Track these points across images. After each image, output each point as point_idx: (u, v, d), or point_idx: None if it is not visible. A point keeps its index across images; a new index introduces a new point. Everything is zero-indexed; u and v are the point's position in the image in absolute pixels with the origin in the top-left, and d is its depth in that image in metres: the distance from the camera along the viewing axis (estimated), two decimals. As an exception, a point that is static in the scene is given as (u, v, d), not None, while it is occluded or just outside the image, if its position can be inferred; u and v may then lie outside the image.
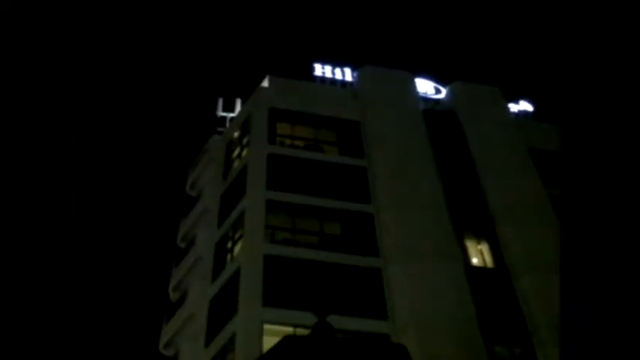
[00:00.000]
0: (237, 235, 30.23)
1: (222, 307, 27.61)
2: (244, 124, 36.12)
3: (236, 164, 34.63)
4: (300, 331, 24.80)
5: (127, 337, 77.48)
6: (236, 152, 35.67)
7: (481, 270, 29.83)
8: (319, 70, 38.97)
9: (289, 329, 25.01)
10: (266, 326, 25.09)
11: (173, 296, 34.55)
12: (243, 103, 39.52)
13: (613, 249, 2.82)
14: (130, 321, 75.26)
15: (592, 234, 2.89)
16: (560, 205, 3.07)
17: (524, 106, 41.70)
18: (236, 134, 36.91)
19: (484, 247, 31.16)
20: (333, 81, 38.90)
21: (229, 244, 30.55)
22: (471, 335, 26.01)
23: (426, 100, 39.16)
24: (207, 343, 27.39)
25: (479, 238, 31.48)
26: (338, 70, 39.32)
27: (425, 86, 40.03)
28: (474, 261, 30.35)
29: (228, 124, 39.74)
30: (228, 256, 30.07)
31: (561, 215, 3.04)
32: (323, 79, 38.84)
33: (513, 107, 41.10)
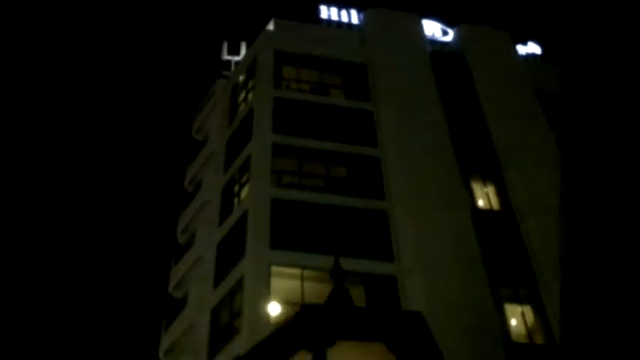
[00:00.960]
0: (243, 179, 30.33)
1: (230, 250, 27.89)
2: (250, 67, 35.88)
3: (242, 108, 34.53)
4: (308, 273, 25.13)
5: (137, 279, 78.55)
6: (242, 96, 35.53)
7: (487, 212, 29.95)
8: (325, 12, 38.51)
9: (296, 271, 25.33)
10: (273, 268, 25.36)
11: (182, 239, 34.88)
12: (248, 47, 39.18)
13: (612, 188, 2.84)
14: (140, 264, 76.19)
15: (592, 174, 2.90)
16: (561, 144, 3.06)
17: (532, 48, 41.27)
18: (241, 78, 36.70)
19: (490, 190, 31.23)
20: (339, 24, 38.47)
21: (236, 188, 30.68)
22: (477, 277, 26.27)
23: (433, 42, 38.72)
24: (215, 285, 27.76)
25: (485, 180, 31.52)
26: (344, 13, 38.86)
27: (432, 28, 39.54)
28: (480, 203, 30.45)
29: (233, 68, 39.49)
30: (235, 200, 30.22)
31: (562, 154, 3.05)
32: (329, 21, 38.42)
33: (521, 49, 40.68)
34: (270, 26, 37.26)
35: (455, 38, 39.35)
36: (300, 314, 3.96)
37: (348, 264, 24.30)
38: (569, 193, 2.99)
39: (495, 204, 30.63)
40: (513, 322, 26.18)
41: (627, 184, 2.77)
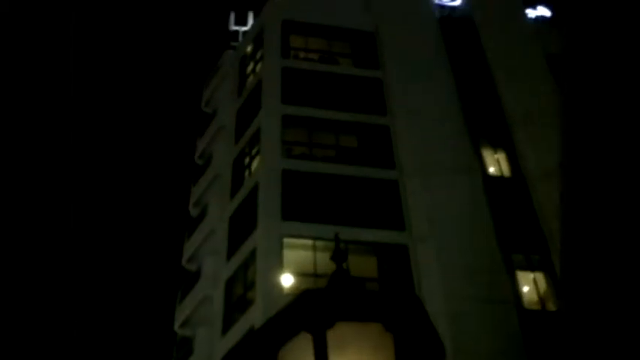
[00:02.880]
0: (254, 151, 30.34)
1: (242, 223, 28.01)
2: (257, 37, 35.69)
3: (250, 79, 34.42)
4: (320, 244, 25.22)
5: (150, 252, 79.14)
6: (250, 67, 35.40)
7: (498, 179, 29.88)
8: (332, -21, 38.08)
9: (308, 242, 25.41)
10: (285, 240, 25.46)
11: (194, 212, 35.04)
12: (255, 17, 38.95)
13: (614, 151, 2.82)
14: (153, 238, 76.74)
15: (594, 137, 2.89)
16: (562, 103, 3.06)
17: (542, 11, 40.72)
18: (249, 48, 36.54)
19: (501, 157, 31.11)
20: (346, -9, 38.05)
21: (247, 160, 30.71)
22: (489, 244, 26.30)
23: (441, 7, 38.30)
24: (228, 257, 27.94)
25: (495, 147, 31.39)
26: (351, -20, 38.39)
27: (440, -7, 39.07)
28: (491, 170, 30.36)
29: (241, 39, 39.29)
30: (246, 172, 30.27)
31: (562, 115, 3.04)
32: (336, -11, 38.00)
33: (531, 12, 40.19)
34: (277, -5, 36.95)
35: (463, 2, 38.90)
36: (301, 298, 4.16)
37: (360, 234, 24.59)
38: (570, 157, 2.98)
39: (506, 171, 30.53)
40: (525, 288, 26.25)
41: (628, 154, 2.76)
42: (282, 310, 4.31)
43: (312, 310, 4.19)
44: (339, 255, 5.19)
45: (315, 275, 24.00)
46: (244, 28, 39.80)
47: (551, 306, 25.70)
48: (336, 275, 4.82)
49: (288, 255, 25.12)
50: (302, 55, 34.16)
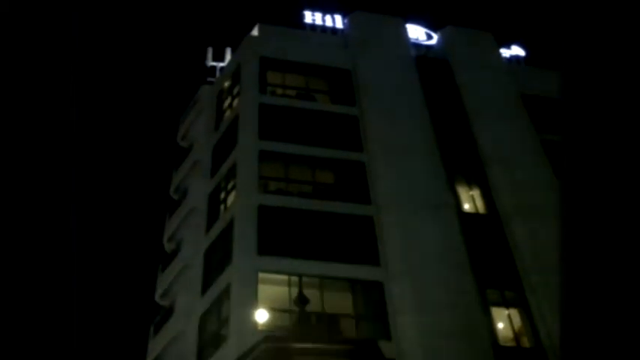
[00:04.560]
0: (229, 186, 30.28)
1: (217, 257, 27.83)
2: (235, 73, 35.85)
3: (227, 114, 34.49)
4: (295, 279, 25.11)
5: (124, 287, 78.10)
6: (227, 102, 35.49)
7: (473, 216, 30.05)
8: (309, 17, 38.60)
9: (284, 277, 25.28)
10: (261, 275, 25.28)
11: (168, 247, 34.76)
12: (233, 53, 39.17)
13: (615, 194, 2.83)
14: (126, 272, 75.81)
15: (594, 182, 2.90)
16: (559, 152, 3.06)
17: (516, 50, 41.50)
18: (227, 84, 36.67)
19: (476, 193, 31.34)
20: (323, 28, 38.57)
21: (222, 195, 30.62)
22: (464, 280, 26.33)
23: (417, 46, 38.86)
24: (203, 293, 27.68)
25: (470, 184, 31.64)
26: (328, 17, 38.96)
27: (416, 32, 39.70)
28: (466, 207, 30.55)
29: (218, 74, 39.45)
30: (222, 207, 30.15)
31: (561, 163, 3.05)
32: (313, 26, 38.52)
33: (505, 52, 40.90)
34: (255, 32, 37.29)
35: (439, 41, 39.52)
36: (265, 341, 4.11)
37: (336, 270, 24.57)
38: (569, 205, 2.99)
39: (481, 207, 30.74)
40: (500, 325, 26.27)
41: (628, 186, 2.77)
42: (245, 353, 4.26)
43: (275, 354, 4.15)
44: (302, 299, 5.14)
45: (290, 311, 23.84)
46: (222, 64, 39.99)
47: (526, 342, 25.71)
48: (299, 319, 4.77)
49: (263, 290, 24.93)
50: (279, 91, 34.36)
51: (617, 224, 2.69)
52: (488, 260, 27.83)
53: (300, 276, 24.83)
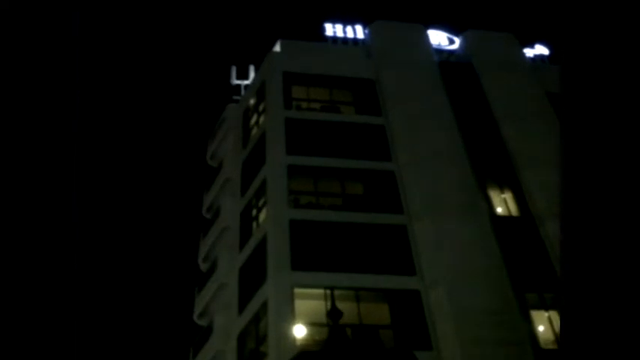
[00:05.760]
0: (260, 203, 30.40)
1: (252, 275, 27.91)
2: (259, 90, 36.07)
3: (254, 131, 34.68)
4: (330, 293, 25.08)
5: (161, 309, 78.73)
6: (253, 119, 35.69)
7: (506, 219, 29.78)
8: (330, 29, 38.71)
9: (319, 291, 25.26)
10: (296, 290, 25.31)
11: (203, 267, 34.97)
12: (256, 70, 39.43)
13: (616, 188, 2.83)
14: (163, 294, 76.37)
15: (594, 178, 2.89)
16: (561, 146, 3.04)
17: (540, 49, 41.16)
18: (252, 101, 36.90)
19: (508, 196, 31.07)
20: (344, 40, 38.65)
21: (254, 212, 30.74)
22: (501, 284, 26.09)
23: (440, 51, 38.77)
24: (240, 311, 27.77)
25: (502, 187, 31.38)
26: (349, 28, 39.04)
27: (438, 37, 39.60)
28: (499, 210, 30.29)
29: (243, 92, 39.71)
30: (254, 224, 30.27)
31: (562, 158, 3.03)
32: (335, 38, 38.62)
33: (529, 52, 40.60)
34: (277, 47, 37.48)
35: (461, 45, 39.38)
36: (299, 357, 4.09)
37: (371, 281, 24.50)
38: (570, 195, 2.98)
39: (514, 210, 30.45)
40: (540, 328, 25.94)
41: (629, 184, 2.77)
42: None
43: None
44: (334, 314, 5.10)
45: (328, 325, 23.80)
46: (246, 82, 40.27)
47: (567, 345, 25.33)
48: (332, 335, 4.74)
49: (300, 305, 24.95)
50: (304, 105, 34.45)
51: (617, 219, 2.67)
52: (525, 263, 27.54)
53: (332, 289, 24.76)
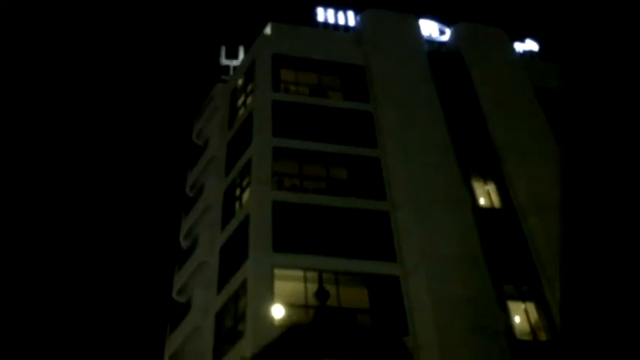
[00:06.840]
0: (244, 183, 30.38)
1: (233, 254, 27.95)
2: (248, 71, 35.97)
3: (241, 112, 34.61)
4: (310, 275, 25.21)
5: (140, 284, 78.57)
6: (241, 100, 35.61)
7: (488, 211, 30.00)
8: (322, 14, 38.65)
9: (299, 273, 25.37)
10: (277, 271, 25.39)
11: (184, 244, 34.95)
12: (246, 51, 39.30)
13: (613, 186, 2.87)
14: (143, 270, 76.21)
15: (593, 171, 2.94)
16: (560, 142, 3.08)
17: (530, 45, 41.35)
18: (240, 82, 36.80)
19: (491, 188, 31.29)
20: (336, 26, 38.61)
21: (237, 192, 30.74)
22: (480, 275, 26.30)
23: (430, 41, 38.81)
24: (219, 289, 27.82)
25: (486, 178, 31.59)
26: (341, 14, 38.98)
27: (429, 28, 39.62)
28: (482, 202, 30.50)
29: (231, 72, 39.59)
30: (237, 204, 30.28)
31: (561, 153, 3.08)
32: (326, 24, 38.56)
33: (519, 47, 40.77)
34: (268, 30, 37.36)
35: (452, 37, 39.44)
36: (289, 333, 4.13)
37: (351, 265, 24.65)
38: (569, 192, 3.03)
39: (497, 202, 30.68)
40: (517, 319, 26.23)
41: (628, 181, 2.82)
42: (270, 344, 4.30)
43: (298, 345, 4.18)
44: (322, 293, 5.18)
45: (306, 306, 23.94)
46: (235, 62, 40.14)
47: (542, 336, 25.66)
48: (320, 311, 4.81)
49: (279, 286, 25.03)
50: (292, 88, 34.41)
51: (617, 218, 2.71)
52: (504, 254, 27.80)
53: (320, 272, 24.91)
